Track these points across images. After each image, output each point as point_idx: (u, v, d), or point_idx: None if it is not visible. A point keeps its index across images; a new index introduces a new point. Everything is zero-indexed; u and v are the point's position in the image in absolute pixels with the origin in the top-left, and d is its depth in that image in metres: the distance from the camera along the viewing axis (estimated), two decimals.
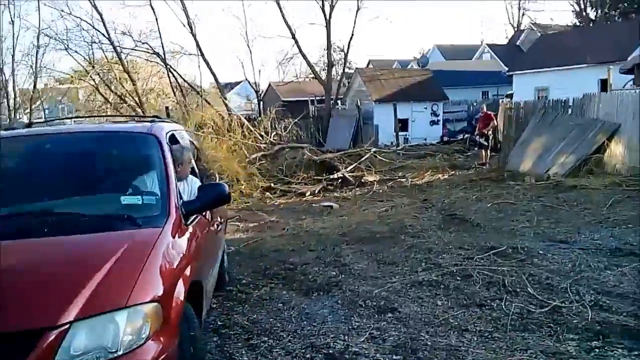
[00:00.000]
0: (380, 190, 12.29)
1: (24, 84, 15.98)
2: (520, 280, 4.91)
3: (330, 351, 3.72)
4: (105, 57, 20.43)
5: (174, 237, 2.93)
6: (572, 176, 10.84)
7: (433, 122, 22.61)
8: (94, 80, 20.69)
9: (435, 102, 22.79)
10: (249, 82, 26.65)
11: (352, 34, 24.50)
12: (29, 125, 4.38)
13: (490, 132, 14.73)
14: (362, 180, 13.27)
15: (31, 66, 15.47)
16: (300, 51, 24.46)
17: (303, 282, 5.49)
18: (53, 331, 2.15)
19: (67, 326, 2.18)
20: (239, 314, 4.63)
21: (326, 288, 5.22)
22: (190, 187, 3.89)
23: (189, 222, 3.24)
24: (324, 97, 24.65)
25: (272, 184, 12.85)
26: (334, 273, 5.75)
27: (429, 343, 3.76)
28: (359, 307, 4.60)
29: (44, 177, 3.37)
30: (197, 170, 4.30)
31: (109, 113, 19.75)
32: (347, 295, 4.96)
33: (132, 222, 2.91)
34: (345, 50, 26.20)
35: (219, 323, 4.41)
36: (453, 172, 14.13)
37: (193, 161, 4.30)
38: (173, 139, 3.98)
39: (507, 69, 26.51)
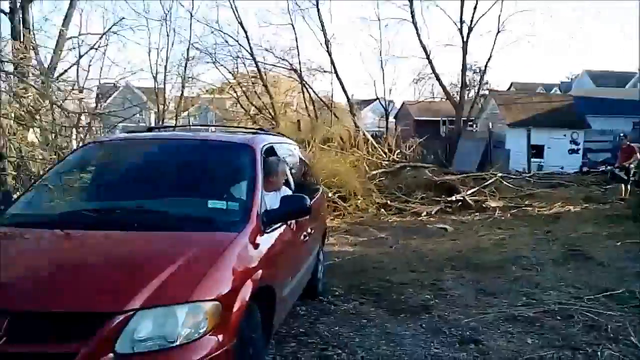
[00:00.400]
0: (502, 218, 11.71)
1: (171, 91, 17.62)
2: (625, 328, 4.46)
3: None
4: (247, 71, 21.75)
5: (249, 243, 3.11)
6: None
7: (572, 151, 21.15)
8: (236, 92, 22.14)
9: (575, 130, 21.30)
10: (378, 99, 26.84)
11: (490, 56, 23.90)
12: (150, 129, 4.87)
13: (632, 166, 13.43)
14: (483, 205, 12.74)
15: (180, 75, 17.06)
16: (434, 72, 24.25)
17: (394, 302, 5.45)
18: (119, 316, 2.38)
19: (131, 313, 2.40)
20: (322, 323, 4.73)
21: (415, 310, 5.14)
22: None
23: (269, 229, 3.41)
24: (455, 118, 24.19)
25: (389, 201, 12.80)
26: (428, 296, 5.64)
27: None
28: (442, 334, 4.48)
29: (144, 177, 3.75)
30: (291, 183, 4.47)
31: (247, 123, 21.04)
32: (435, 320, 4.86)
33: (213, 224, 3.15)
34: (481, 72, 25.51)
35: (301, 330, 4.53)
36: (586, 205, 13.04)
37: (288, 173, 4.48)
38: (271, 151, 4.21)
39: None
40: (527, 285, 6.02)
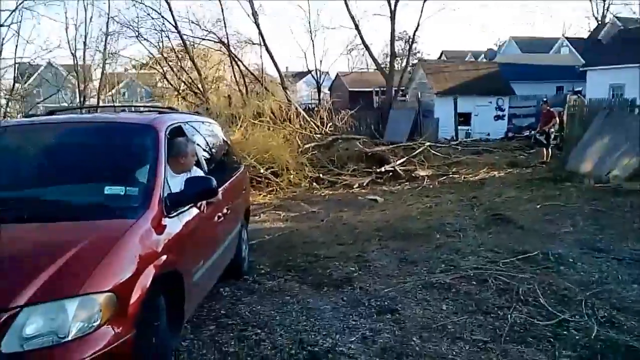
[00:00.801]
0: (430, 186, 12.03)
1: (94, 67, 16.81)
2: (535, 289, 4.67)
3: (316, 349, 3.70)
4: (172, 45, 21.11)
5: (151, 228, 3.01)
6: (634, 180, 10.16)
7: (498, 117, 21.85)
8: (162, 67, 21.46)
9: (501, 97, 21.98)
10: (310, 72, 26.74)
11: (418, 25, 24.17)
12: (51, 113, 4.60)
13: (552, 130, 14.08)
14: (413, 175, 13.04)
15: (99, 51, 16.23)
16: (363, 42, 24.34)
17: (319, 276, 5.45)
18: (1, 314, 2.28)
19: (17, 310, 2.30)
20: (244, 304, 4.68)
21: (338, 284, 5.17)
22: None
23: (174, 213, 3.30)
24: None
25: (321, 175, 12.86)
26: (353, 269, 5.68)
27: (417, 349, 3.66)
28: (362, 305, 4.54)
29: (40, 165, 3.55)
30: (203, 164, 4.35)
31: (176, 100, 20.48)
32: (356, 292, 4.90)
33: (110, 211, 3.02)
34: (410, 41, 25.83)
35: (222, 312, 4.48)
36: (510, 170, 13.61)
37: (201, 154, 4.35)
38: (179, 132, 4.06)
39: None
40: (448, 252, 6.16)
